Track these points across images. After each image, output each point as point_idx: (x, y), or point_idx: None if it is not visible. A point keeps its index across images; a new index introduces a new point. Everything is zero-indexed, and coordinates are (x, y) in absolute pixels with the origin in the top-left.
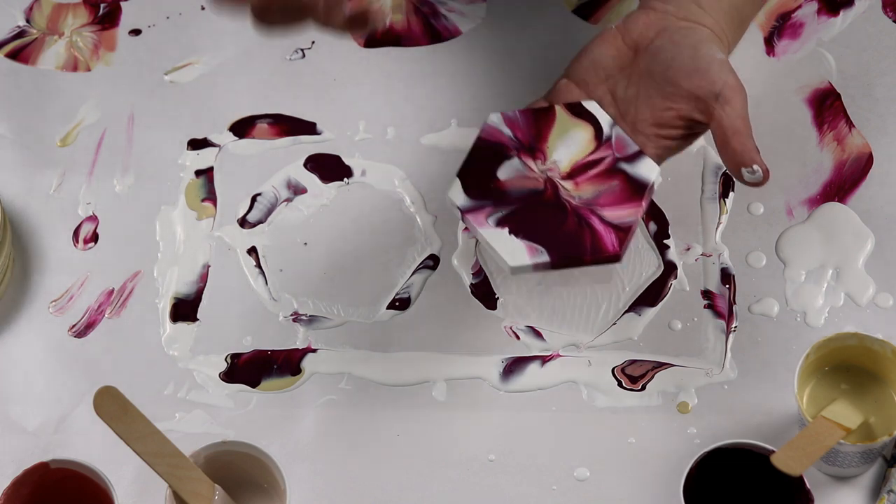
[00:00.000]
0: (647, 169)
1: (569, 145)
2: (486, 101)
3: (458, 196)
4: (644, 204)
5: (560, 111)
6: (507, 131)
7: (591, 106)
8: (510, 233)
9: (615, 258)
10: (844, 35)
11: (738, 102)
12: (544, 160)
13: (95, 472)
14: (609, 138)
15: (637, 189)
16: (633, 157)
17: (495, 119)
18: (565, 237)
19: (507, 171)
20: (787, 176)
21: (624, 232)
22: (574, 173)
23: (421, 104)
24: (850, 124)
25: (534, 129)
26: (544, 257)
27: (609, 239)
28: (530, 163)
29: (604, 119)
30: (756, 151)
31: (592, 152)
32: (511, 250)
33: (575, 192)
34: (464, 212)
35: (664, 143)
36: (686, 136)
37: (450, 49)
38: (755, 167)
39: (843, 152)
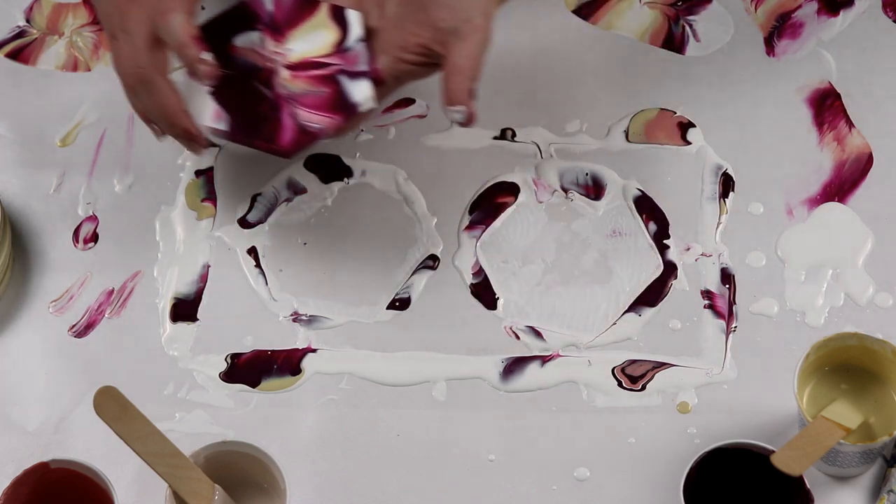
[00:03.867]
0: (361, 91)
1: (309, 41)
2: (486, 101)
3: None
4: (340, 120)
5: (323, 9)
6: (269, 7)
7: (352, 16)
8: (210, 93)
9: (284, 153)
10: (844, 35)
11: (473, 43)
12: (281, 44)
13: (95, 472)
14: (348, 50)
15: (342, 105)
16: (356, 76)
17: None
18: (252, 117)
19: (243, 41)
20: (787, 176)
21: (305, 135)
22: (297, 67)
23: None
24: (850, 124)
25: (291, 14)
26: (223, 126)
27: (287, 135)
28: (268, 42)
29: (354, 32)
30: (468, 95)
31: (325, 56)
32: (201, 108)
33: (286, 83)
34: None
35: (403, 66)
36: (426, 64)
37: None
38: (460, 108)
39: (843, 152)
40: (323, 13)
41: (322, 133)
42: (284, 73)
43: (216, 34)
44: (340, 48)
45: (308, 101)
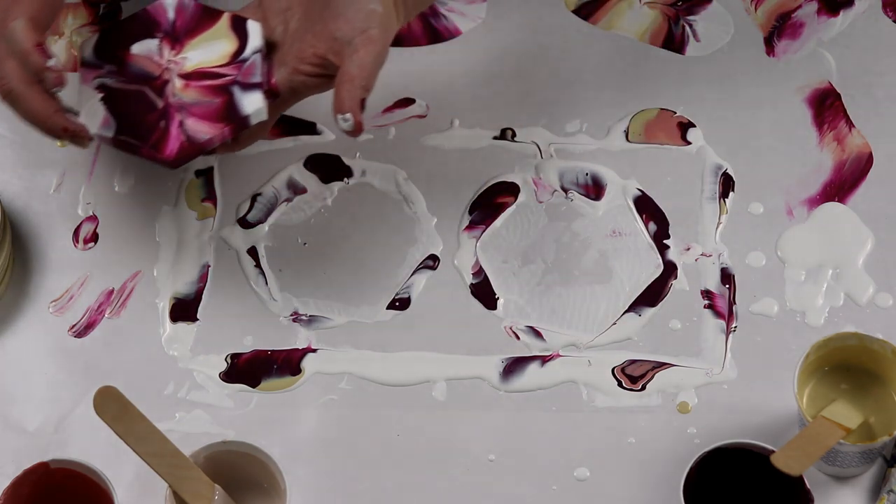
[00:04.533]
0: (251, 102)
1: (207, 51)
2: (487, 101)
3: (88, 49)
4: (228, 131)
5: (224, 20)
6: (171, 16)
7: (253, 27)
8: (101, 99)
9: (168, 163)
10: (844, 35)
11: (366, 54)
12: (178, 53)
13: (95, 472)
14: (244, 61)
15: (231, 115)
16: (249, 87)
17: (170, 0)
18: (139, 125)
19: (140, 48)
20: (787, 176)
21: (190, 144)
22: (191, 76)
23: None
24: (850, 124)
25: (192, 24)
26: (109, 132)
27: (173, 144)
28: (165, 50)
29: (253, 43)
30: (357, 104)
31: (220, 66)
32: (91, 113)
33: (178, 92)
34: (82, 64)
35: (300, 78)
36: (323, 76)
37: (450, 49)
38: (348, 115)
39: (843, 152)
40: (223, 23)
41: (208, 143)
42: (178, 83)
43: (115, 41)
44: (237, 59)
45: (198, 112)
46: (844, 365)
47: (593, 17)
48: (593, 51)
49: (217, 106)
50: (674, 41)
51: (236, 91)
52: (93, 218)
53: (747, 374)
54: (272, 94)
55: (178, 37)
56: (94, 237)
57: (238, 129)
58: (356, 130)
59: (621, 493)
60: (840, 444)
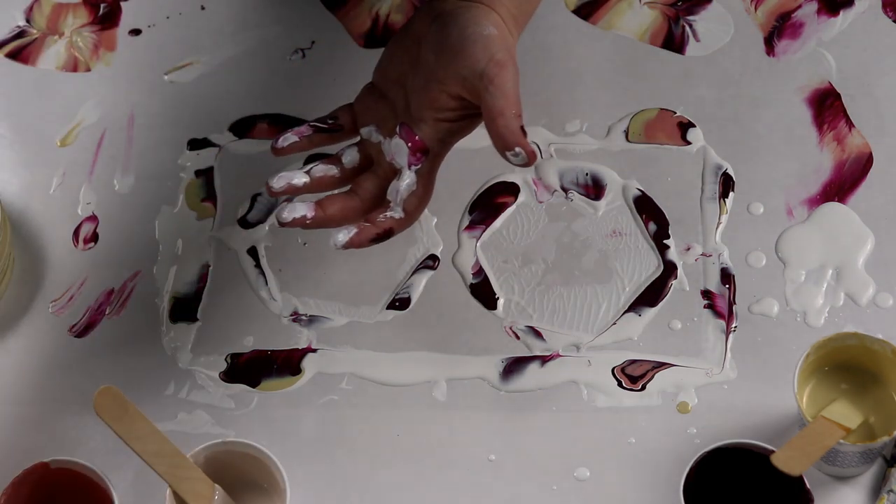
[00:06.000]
0: None
1: None
2: None
3: None
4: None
5: None
6: None
7: None
8: None
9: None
10: (844, 35)
11: (504, 79)
12: None
13: (95, 472)
14: None
15: None
16: None
17: None
18: None
19: None
20: (787, 176)
21: None
22: None
23: None
24: (850, 124)
25: None
26: None
27: None
28: None
29: None
30: (520, 133)
31: None
32: None
33: None
34: None
35: (443, 125)
36: (465, 116)
37: None
38: (518, 150)
39: (843, 152)
40: None
41: None
42: None
43: None
44: None
45: None
46: (844, 365)
47: (593, 17)
48: (593, 51)
49: None
50: (674, 41)
51: None
52: (93, 218)
53: (747, 374)
54: (423, 152)
55: None
56: (94, 237)
57: None
58: (531, 160)
59: (621, 493)
60: (840, 444)
